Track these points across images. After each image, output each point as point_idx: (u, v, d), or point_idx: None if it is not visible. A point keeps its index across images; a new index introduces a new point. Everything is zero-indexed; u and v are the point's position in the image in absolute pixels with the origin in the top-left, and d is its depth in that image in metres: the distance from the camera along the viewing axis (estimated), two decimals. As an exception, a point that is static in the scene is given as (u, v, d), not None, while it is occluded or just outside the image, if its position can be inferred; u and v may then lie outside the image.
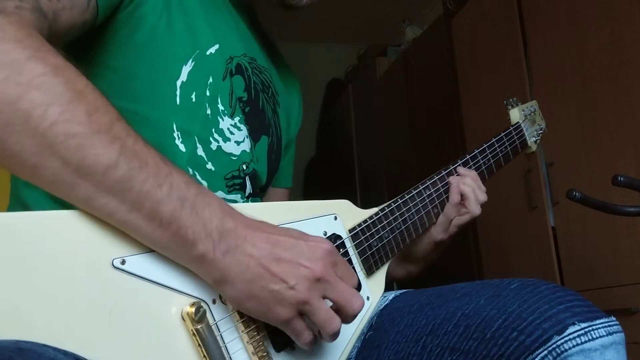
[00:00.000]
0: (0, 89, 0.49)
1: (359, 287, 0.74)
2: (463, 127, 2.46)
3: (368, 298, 0.75)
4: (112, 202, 0.52)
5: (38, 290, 0.48)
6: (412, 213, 0.83)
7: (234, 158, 0.76)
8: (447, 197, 0.90)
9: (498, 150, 0.98)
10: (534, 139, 1.07)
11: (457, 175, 0.91)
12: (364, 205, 0.80)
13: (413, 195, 0.85)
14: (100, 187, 0.51)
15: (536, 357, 0.60)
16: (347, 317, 0.60)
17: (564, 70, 1.92)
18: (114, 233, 0.54)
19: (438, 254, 0.94)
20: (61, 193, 0.52)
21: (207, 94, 0.74)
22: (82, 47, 0.71)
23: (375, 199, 2.94)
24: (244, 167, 0.78)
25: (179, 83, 0.72)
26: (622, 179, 1.03)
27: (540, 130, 1.09)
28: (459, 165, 0.92)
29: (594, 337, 0.60)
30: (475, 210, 0.90)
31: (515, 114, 1.05)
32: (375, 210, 0.79)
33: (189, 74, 0.73)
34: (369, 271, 0.76)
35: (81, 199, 0.52)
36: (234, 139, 0.77)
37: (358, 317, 0.73)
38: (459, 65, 2.53)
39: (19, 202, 0.71)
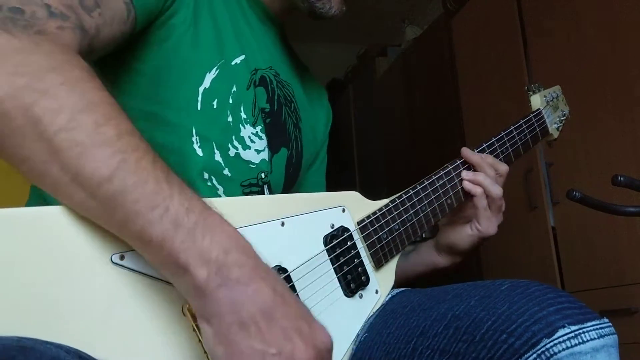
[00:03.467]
0: (18, 94, 0.49)
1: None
2: (463, 127, 2.46)
3: (377, 291, 0.74)
4: (104, 215, 0.51)
5: (37, 286, 0.48)
6: (424, 204, 0.80)
7: (252, 166, 0.78)
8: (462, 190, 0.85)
9: (517, 138, 0.93)
10: (556, 125, 1.03)
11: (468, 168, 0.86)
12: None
13: (425, 185, 0.82)
14: (95, 199, 0.50)
15: None
16: None
17: (564, 70, 1.92)
18: None
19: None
20: (62, 199, 0.52)
21: (230, 101, 0.76)
22: (113, 51, 0.71)
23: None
24: (263, 175, 0.79)
25: (201, 89, 0.73)
26: (622, 179, 1.03)
27: (564, 116, 1.05)
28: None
29: (585, 340, 0.59)
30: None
31: (537, 100, 1.01)
32: (385, 201, 0.78)
33: (213, 81, 0.74)
34: (378, 264, 0.75)
35: (80, 208, 0.52)
36: (255, 147, 0.78)
37: (368, 308, 0.72)
38: (459, 65, 2.53)
39: (40, 197, 0.72)
